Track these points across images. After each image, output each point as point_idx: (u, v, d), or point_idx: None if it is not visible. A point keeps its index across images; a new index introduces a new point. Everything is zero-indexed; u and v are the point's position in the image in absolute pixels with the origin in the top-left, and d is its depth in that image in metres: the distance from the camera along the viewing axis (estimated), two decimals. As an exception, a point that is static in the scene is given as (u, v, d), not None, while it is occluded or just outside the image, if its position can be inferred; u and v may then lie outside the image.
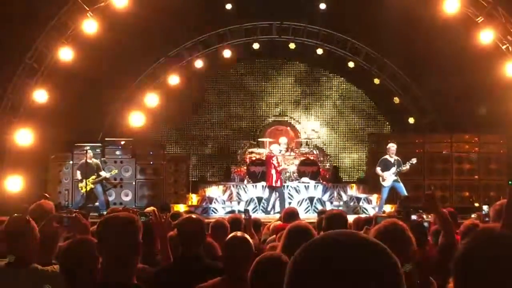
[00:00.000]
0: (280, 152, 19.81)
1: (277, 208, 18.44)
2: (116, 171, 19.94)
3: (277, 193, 18.83)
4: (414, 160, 17.60)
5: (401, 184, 17.70)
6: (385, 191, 17.77)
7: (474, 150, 20.97)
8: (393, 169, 17.54)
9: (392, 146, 18.01)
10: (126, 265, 3.64)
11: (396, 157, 17.83)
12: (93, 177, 18.60)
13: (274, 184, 18.58)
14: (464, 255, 2.24)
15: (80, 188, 18.76)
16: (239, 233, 5.31)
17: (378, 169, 17.83)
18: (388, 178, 17.57)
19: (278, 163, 18.78)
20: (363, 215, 12.91)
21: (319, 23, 23.55)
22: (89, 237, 5.01)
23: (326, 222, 5.94)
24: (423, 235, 6.46)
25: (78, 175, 18.91)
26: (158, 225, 5.74)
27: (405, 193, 17.44)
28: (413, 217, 7.76)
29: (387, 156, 17.91)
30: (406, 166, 17.52)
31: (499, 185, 20.56)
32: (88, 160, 18.63)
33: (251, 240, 5.25)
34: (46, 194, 15.41)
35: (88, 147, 18.98)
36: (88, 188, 18.43)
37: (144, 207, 14.42)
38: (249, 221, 8.69)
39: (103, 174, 19.01)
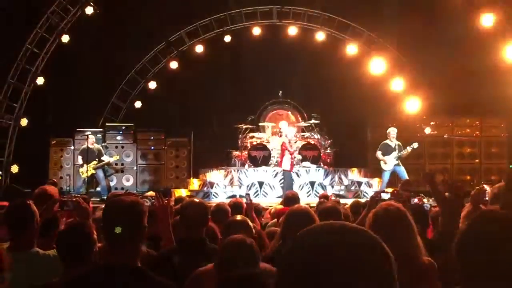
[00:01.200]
0: (292, 136, 19.94)
1: (281, 192, 18.46)
2: (118, 156, 19.97)
3: (285, 176, 18.81)
4: (415, 145, 17.56)
5: (403, 168, 17.69)
6: (386, 175, 17.77)
7: (475, 134, 20.98)
8: (394, 153, 17.52)
9: (392, 130, 17.97)
10: (131, 248, 3.66)
11: (397, 142, 17.81)
12: (95, 162, 18.60)
13: (285, 168, 18.56)
14: (465, 236, 2.25)
15: (81, 173, 18.76)
16: (238, 216, 5.32)
17: (379, 153, 17.83)
18: (389, 162, 17.56)
19: (290, 146, 18.76)
20: (363, 199, 12.90)
21: (319, 7, 23.47)
22: (87, 221, 5.03)
23: (319, 216, 5.92)
24: (424, 218, 6.45)
25: (80, 160, 18.90)
26: (161, 209, 5.74)
27: (407, 177, 17.40)
28: (415, 200, 7.76)
29: (387, 141, 17.89)
30: (407, 150, 17.50)
31: (500, 168, 20.60)
32: (90, 145, 18.64)
33: (250, 224, 5.27)
34: (53, 180, 15.50)
35: (89, 133, 18.96)
36: (89, 174, 18.46)
37: (145, 192, 14.49)
38: (250, 205, 8.69)
39: (105, 159, 19.01)
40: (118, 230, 3.58)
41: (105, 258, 3.76)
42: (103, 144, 20.55)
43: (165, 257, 5.20)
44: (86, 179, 18.59)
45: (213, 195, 18.93)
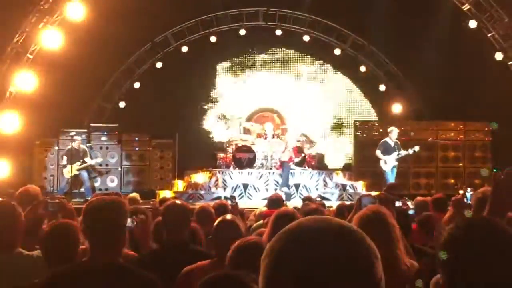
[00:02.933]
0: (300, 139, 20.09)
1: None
2: (101, 159, 19.94)
3: (284, 167, 18.90)
4: (417, 148, 17.44)
5: (395, 170, 17.67)
6: (388, 175, 17.58)
7: (459, 138, 21.08)
8: (395, 154, 17.46)
9: (394, 130, 17.82)
10: (113, 246, 3.69)
11: (396, 140, 17.75)
12: (79, 163, 18.55)
13: (286, 160, 18.66)
14: (448, 241, 2.26)
15: (65, 174, 18.70)
16: (228, 216, 5.33)
17: (379, 152, 17.68)
18: (390, 162, 17.46)
19: (295, 154, 18.93)
20: (347, 202, 12.93)
21: (305, 9, 23.52)
22: (70, 221, 5.02)
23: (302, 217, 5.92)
24: (407, 222, 6.47)
25: (64, 160, 18.83)
26: (143, 233, 5.74)
27: (393, 180, 17.41)
28: (398, 203, 7.79)
29: (387, 139, 17.79)
30: (408, 153, 17.41)
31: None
32: (75, 146, 18.60)
33: (240, 224, 5.27)
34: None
35: (74, 133, 18.90)
36: (73, 174, 18.40)
37: (129, 193, 14.43)
38: (236, 207, 8.68)
39: (88, 161, 18.95)
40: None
41: (88, 258, 3.76)
42: (87, 145, 20.50)
43: (146, 259, 5.20)
44: (70, 179, 18.53)
45: (198, 196, 18.90)
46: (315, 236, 1.62)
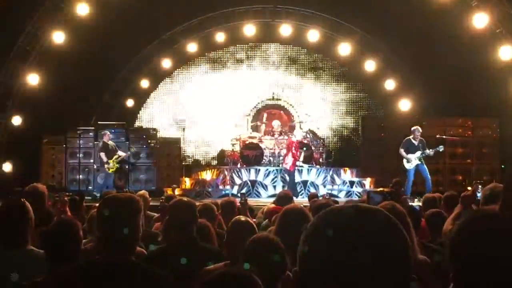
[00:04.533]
0: (305, 138, 20.03)
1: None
2: (133, 149, 20.11)
3: (288, 176, 18.83)
4: (441, 148, 17.46)
5: (425, 167, 17.50)
6: (410, 173, 17.48)
7: (467, 134, 21.01)
8: (418, 152, 17.37)
9: (417, 130, 17.68)
10: (126, 244, 3.67)
11: (420, 138, 17.61)
12: (116, 156, 18.91)
13: (289, 168, 18.58)
14: (456, 236, 2.24)
15: (107, 169, 18.99)
16: (242, 218, 5.31)
17: (402, 150, 17.58)
18: (413, 160, 17.36)
19: (297, 148, 18.83)
20: (355, 199, 12.93)
21: (312, 6, 23.46)
22: (71, 219, 5.03)
23: (314, 213, 5.91)
24: (416, 219, 6.47)
25: (103, 157, 19.03)
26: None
27: (429, 176, 17.41)
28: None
29: (410, 138, 17.66)
30: (431, 152, 17.38)
31: (492, 169, 20.66)
32: (107, 141, 19.10)
33: (254, 224, 5.26)
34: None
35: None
36: (115, 168, 18.91)
37: (137, 191, 14.44)
38: (245, 205, 8.65)
39: (121, 154, 19.29)
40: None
41: (100, 254, 3.75)
42: (95, 142, 20.57)
43: (155, 257, 5.19)
44: (112, 174, 19.13)
45: (205, 194, 18.92)
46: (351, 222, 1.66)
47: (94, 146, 20.26)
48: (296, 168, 19.41)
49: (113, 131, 21.15)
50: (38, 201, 6.00)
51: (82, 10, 18.71)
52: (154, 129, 22.14)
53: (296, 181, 19.49)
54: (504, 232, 2.16)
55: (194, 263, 4.67)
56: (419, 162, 17.39)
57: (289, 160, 18.53)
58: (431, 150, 17.34)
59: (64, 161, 20.90)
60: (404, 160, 17.54)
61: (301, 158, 19.82)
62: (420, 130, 17.71)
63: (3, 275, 4.64)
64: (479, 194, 6.53)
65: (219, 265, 4.63)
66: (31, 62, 19.27)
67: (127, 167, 20.58)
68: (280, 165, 20.03)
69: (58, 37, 19.02)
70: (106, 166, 18.99)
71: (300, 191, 19.32)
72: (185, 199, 5.81)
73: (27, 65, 19.15)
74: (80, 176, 20.50)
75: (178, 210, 5.37)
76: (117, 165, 18.96)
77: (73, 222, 4.74)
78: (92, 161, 20.84)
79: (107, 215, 3.72)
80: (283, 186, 18.79)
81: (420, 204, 10.16)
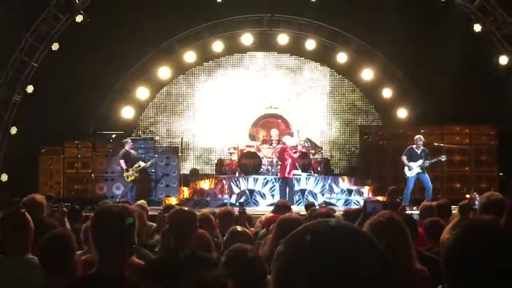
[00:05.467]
0: (295, 143, 19.93)
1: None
2: (153, 160, 20.24)
3: (287, 184, 18.71)
4: (443, 157, 17.59)
5: (427, 176, 17.52)
6: (411, 182, 17.51)
7: (465, 142, 21.03)
8: (420, 161, 17.37)
9: (419, 139, 17.75)
10: (120, 258, 3.65)
11: (423, 148, 17.66)
12: (136, 165, 18.95)
13: (287, 175, 18.49)
14: (452, 246, 2.24)
15: (125, 177, 18.96)
16: (239, 227, 5.32)
17: (404, 158, 17.56)
18: (414, 168, 17.36)
19: (293, 153, 18.72)
20: (353, 207, 12.91)
21: (310, 15, 23.50)
22: (66, 230, 5.05)
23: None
24: (413, 227, 6.47)
25: (123, 164, 18.97)
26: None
27: (430, 185, 17.42)
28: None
29: (413, 146, 17.70)
30: (433, 161, 17.43)
31: (490, 176, 20.68)
32: (128, 149, 19.05)
33: (251, 234, 5.27)
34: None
35: (127, 139, 19.41)
36: (134, 177, 18.86)
37: (135, 200, 14.45)
38: (243, 214, 8.65)
39: (142, 164, 19.26)
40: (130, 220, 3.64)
41: (94, 267, 3.75)
42: (93, 152, 20.56)
43: (153, 266, 5.19)
44: (132, 183, 19.00)
45: (204, 203, 18.90)
46: (326, 239, 1.63)
47: (116, 155, 20.02)
48: (294, 176, 19.35)
49: (111, 140, 21.19)
50: (36, 211, 6.02)
51: (79, 19, 18.73)
52: (152, 139, 22.15)
53: (294, 189, 19.40)
54: (499, 242, 2.16)
55: (192, 272, 4.67)
56: (420, 171, 17.39)
57: (288, 168, 18.44)
58: (432, 160, 17.38)
59: (62, 171, 20.91)
60: (406, 168, 17.55)
61: (297, 161, 19.64)
62: (423, 139, 17.76)
63: (2, 283, 4.66)
64: (476, 203, 6.53)
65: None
66: (28, 71, 19.29)
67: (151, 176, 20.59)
68: (277, 174, 19.97)
69: (56, 47, 19.04)
70: (125, 174, 18.89)
71: (299, 200, 19.27)
72: (185, 208, 5.83)
73: (25, 75, 19.17)
74: (79, 186, 20.51)
75: (178, 219, 5.38)
76: (136, 174, 18.90)
77: (65, 235, 4.75)
78: (90, 170, 20.86)
79: (99, 227, 3.72)
80: (281, 195, 18.70)
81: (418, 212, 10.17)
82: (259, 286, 3.81)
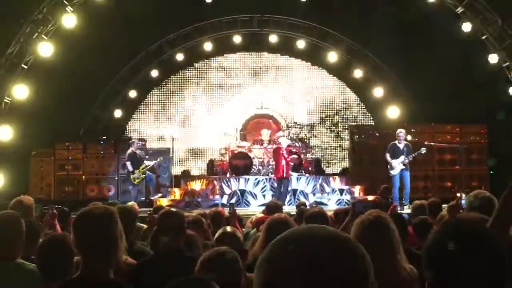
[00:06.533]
0: (292, 143, 19.93)
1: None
2: (161, 158, 20.11)
3: (282, 184, 18.66)
4: (423, 150, 17.01)
5: (408, 173, 17.21)
6: (396, 180, 17.12)
7: (456, 141, 21.07)
8: (402, 157, 17.03)
9: (400, 132, 17.40)
10: (102, 260, 3.62)
11: (406, 143, 17.38)
12: (143, 166, 18.81)
13: (284, 175, 18.43)
14: (431, 244, 2.26)
15: (132, 180, 18.84)
16: (228, 228, 5.32)
17: (387, 156, 17.27)
18: (397, 166, 17.05)
19: (288, 154, 18.65)
20: (344, 207, 12.92)
21: (300, 15, 23.54)
22: (65, 233, 5.02)
23: (306, 222, 5.92)
24: (403, 226, 6.48)
25: (129, 166, 18.83)
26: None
27: (408, 183, 17.16)
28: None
29: (396, 142, 17.35)
30: (414, 155, 17.02)
31: (481, 175, 20.73)
32: (135, 150, 18.92)
33: (241, 236, 5.27)
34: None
35: (134, 140, 19.46)
36: (141, 179, 18.78)
37: (126, 202, 14.43)
38: (234, 215, 8.64)
39: (149, 163, 19.15)
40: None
41: (79, 271, 3.73)
42: (83, 154, 20.51)
43: (143, 267, 5.19)
44: (138, 184, 18.96)
45: (195, 204, 18.88)
46: (308, 246, 1.62)
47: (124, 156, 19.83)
48: (291, 175, 19.34)
49: (102, 142, 21.14)
50: (24, 213, 5.99)
51: (70, 21, 18.68)
52: (143, 140, 22.12)
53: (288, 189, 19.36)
54: (475, 237, 2.18)
55: (181, 273, 4.67)
56: (403, 167, 17.25)
57: (284, 168, 18.39)
58: (413, 154, 17.12)
59: (53, 174, 20.87)
60: (388, 166, 17.44)
61: (292, 156, 19.59)
62: (404, 132, 17.47)
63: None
64: (463, 202, 6.53)
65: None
66: (18, 74, 19.22)
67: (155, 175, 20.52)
68: (270, 175, 19.96)
69: (46, 48, 18.97)
70: (131, 176, 18.78)
71: (289, 200, 19.25)
72: (173, 209, 5.83)
73: (15, 77, 19.10)
74: (70, 188, 20.47)
75: (166, 220, 5.38)
76: (143, 175, 18.81)
77: (65, 237, 4.72)
78: (81, 172, 20.86)
79: (81, 231, 3.70)
80: (273, 195, 18.71)
81: (409, 211, 10.19)
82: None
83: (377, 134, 21.26)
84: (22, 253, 4.99)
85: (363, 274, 1.62)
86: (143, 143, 19.42)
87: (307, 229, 1.71)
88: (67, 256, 4.49)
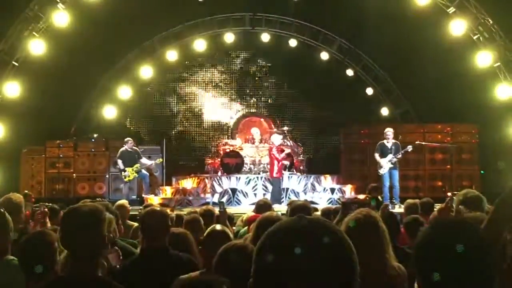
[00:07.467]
0: (283, 142, 19.91)
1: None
2: (161, 159, 20.08)
3: (273, 184, 18.68)
4: (409, 148, 17.10)
5: (397, 172, 17.32)
6: (385, 179, 17.22)
7: (447, 140, 21.11)
8: (390, 156, 17.14)
9: (388, 131, 17.47)
10: (90, 258, 3.61)
11: (394, 141, 17.44)
12: (137, 165, 18.65)
13: (274, 175, 18.44)
14: (419, 243, 2.27)
15: (123, 178, 18.72)
16: (218, 226, 5.31)
17: (376, 155, 17.41)
18: (385, 165, 17.17)
19: (278, 153, 18.63)
20: (333, 206, 12.94)
21: (292, 14, 23.55)
22: (47, 230, 4.99)
23: (291, 213, 5.95)
24: (395, 225, 6.50)
25: (120, 164, 18.71)
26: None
27: (396, 183, 17.24)
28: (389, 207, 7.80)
29: (384, 141, 17.44)
30: (401, 153, 17.07)
31: (472, 174, 20.78)
32: (129, 148, 18.73)
33: (230, 234, 5.27)
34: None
35: (128, 138, 19.20)
36: (132, 177, 18.61)
37: (117, 200, 14.38)
38: (224, 213, 8.62)
39: (146, 162, 19.06)
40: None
41: (67, 269, 3.72)
42: (74, 151, 20.46)
43: (128, 266, 5.18)
44: (129, 182, 18.80)
45: (186, 202, 18.87)
46: (296, 237, 1.65)
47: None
48: (283, 175, 19.36)
49: (93, 140, 21.10)
50: (13, 211, 5.96)
51: (62, 19, 18.61)
52: (134, 138, 22.07)
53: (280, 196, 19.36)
54: (460, 235, 2.19)
55: (166, 271, 4.68)
56: (392, 166, 17.31)
57: (275, 168, 18.42)
58: (401, 152, 17.14)
59: (44, 171, 20.82)
60: (377, 165, 17.50)
61: (282, 155, 19.57)
62: (392, 131, 17.53)
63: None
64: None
65: (194, 274, 4.62)
66: (9, 71, 19.15)
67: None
68: (265, 174, 19.97)
69: (37, 46, 18.90)
70: (122, 174, 18.68)
71: (282, 199, 19.26)
72: (157, 208, 5.84)
73: (6, 74, 19.02)
74: (60, 186, 20.40)
75: (150, 219, 5.38)
76: (136, 174, 18.70)
77: (47, 234, 4.69)
78: (72, 170, 20.81)
79: (68, 227, 3.68)
80: (264, 194, 18.74)
81: (400, 210, 10.22)
82: None
83: (368, 133, 21.30)
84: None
85: (350, 266, 1.65)
86: (130, 140, 19.21)
87: (295, 220, 1.77)
88: (49, 254, 4.46)
